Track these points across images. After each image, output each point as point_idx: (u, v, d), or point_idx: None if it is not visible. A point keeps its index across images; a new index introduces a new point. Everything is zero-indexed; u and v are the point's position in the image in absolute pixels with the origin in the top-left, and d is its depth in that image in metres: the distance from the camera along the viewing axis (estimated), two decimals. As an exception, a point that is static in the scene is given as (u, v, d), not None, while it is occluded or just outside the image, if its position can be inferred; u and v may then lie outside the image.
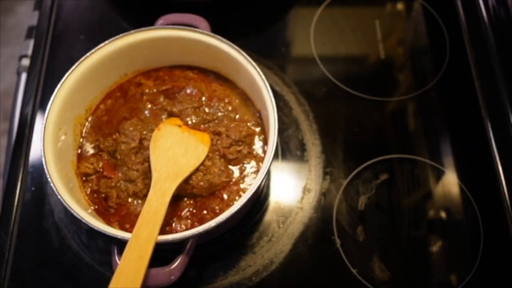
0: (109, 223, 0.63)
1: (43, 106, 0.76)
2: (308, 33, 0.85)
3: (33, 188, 0.71)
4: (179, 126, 0.68)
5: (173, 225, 0.63)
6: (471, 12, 0.81)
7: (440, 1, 0.87)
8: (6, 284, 0.66)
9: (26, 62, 0.82)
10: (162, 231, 0.57)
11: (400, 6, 0.89)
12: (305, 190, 0.72)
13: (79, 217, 0.57)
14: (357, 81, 0.81)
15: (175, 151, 0.64)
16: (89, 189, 0.65)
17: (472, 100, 0.76)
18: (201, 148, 0.66)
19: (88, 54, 0.65)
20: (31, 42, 0.83)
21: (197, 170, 0.64)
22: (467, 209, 0.72)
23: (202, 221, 0.63)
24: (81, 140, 0.68)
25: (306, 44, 0.84)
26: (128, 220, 0.63)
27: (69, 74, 0.64)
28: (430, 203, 0.72)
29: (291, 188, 0.73)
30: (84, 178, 0.66)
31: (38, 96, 0.77)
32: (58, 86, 0.63)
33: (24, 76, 0.81)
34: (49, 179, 0.58)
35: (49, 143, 0.61)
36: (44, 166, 0.59)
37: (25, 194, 0.71)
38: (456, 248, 0.70)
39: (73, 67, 0.64)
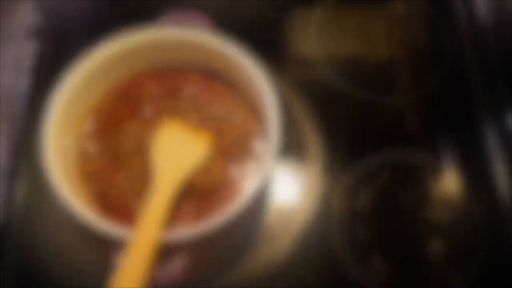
0: (110, 223, 0.62)
1: (44, 106, 0.76)
2: (308, 32, 0.85)
3: (33, 188, 0.71)
4: (180, 126, 0.68)
5: (174, 224, 0.63)
6: (471, 12, 0.81)
7: (440, 2, 0.87)
8: (7, 284, 0.66)
9: (26, 62, 0.82)
10: (163, 231, 0.57)
11: (400, 6, 0.89)
12: (305, 189, 0.72)
13: (80, 217, 0.57)
14: (357, 80, 0.81)
15: (175, 151, 0.64)
16: (90, 189, 0.65)
17: (472, 100, 0.76)
18: (201, 148, 0.66)
19: (89, 55, 0.65)
20: (32, 42, 0.83)
21: (197, 169, 0.64)
22: (467, 209, 0.72)
23: (202, 221, 0.63)
24: (82, 140, 0.68)
25: (306, 43, 0.84)
26: (129, 220, 0.63)
27: (70, 74, 0.64)
28: (430, 203, 0.72)
29: (291, 188, 0.73)
30: (85, 178, 0.66)
31: (39, 96, 0.77)
32: (59, 86, 0.63)
33: (24, 77, 0.81)
34: (50, 179, 0.58)
35: (50, 142, 0.61)
36: (45, 166, 0.59)
37: (26, 194, 0.71)
38: (457, 248, 0.70)
39: (74, 67, 0.64)
